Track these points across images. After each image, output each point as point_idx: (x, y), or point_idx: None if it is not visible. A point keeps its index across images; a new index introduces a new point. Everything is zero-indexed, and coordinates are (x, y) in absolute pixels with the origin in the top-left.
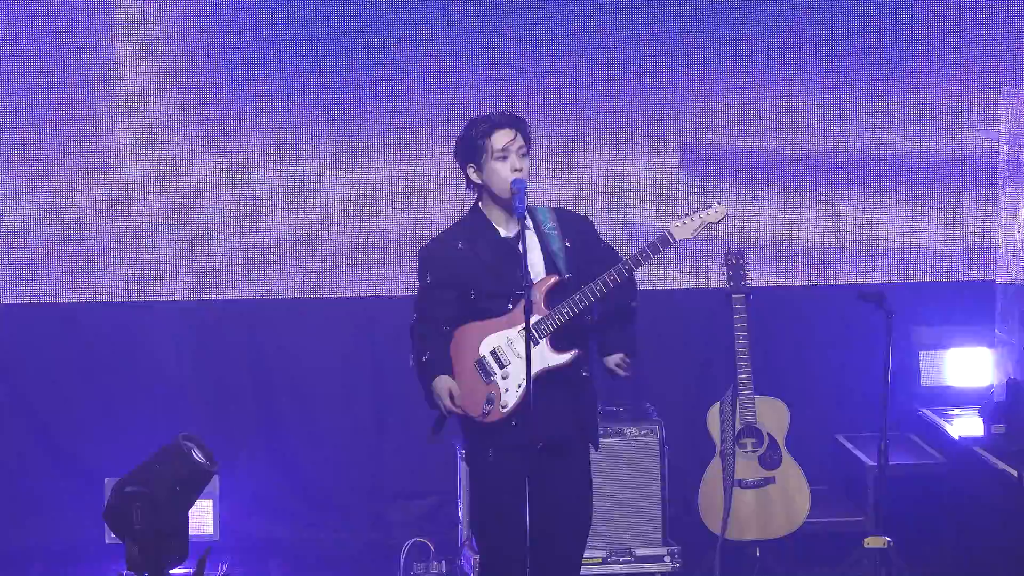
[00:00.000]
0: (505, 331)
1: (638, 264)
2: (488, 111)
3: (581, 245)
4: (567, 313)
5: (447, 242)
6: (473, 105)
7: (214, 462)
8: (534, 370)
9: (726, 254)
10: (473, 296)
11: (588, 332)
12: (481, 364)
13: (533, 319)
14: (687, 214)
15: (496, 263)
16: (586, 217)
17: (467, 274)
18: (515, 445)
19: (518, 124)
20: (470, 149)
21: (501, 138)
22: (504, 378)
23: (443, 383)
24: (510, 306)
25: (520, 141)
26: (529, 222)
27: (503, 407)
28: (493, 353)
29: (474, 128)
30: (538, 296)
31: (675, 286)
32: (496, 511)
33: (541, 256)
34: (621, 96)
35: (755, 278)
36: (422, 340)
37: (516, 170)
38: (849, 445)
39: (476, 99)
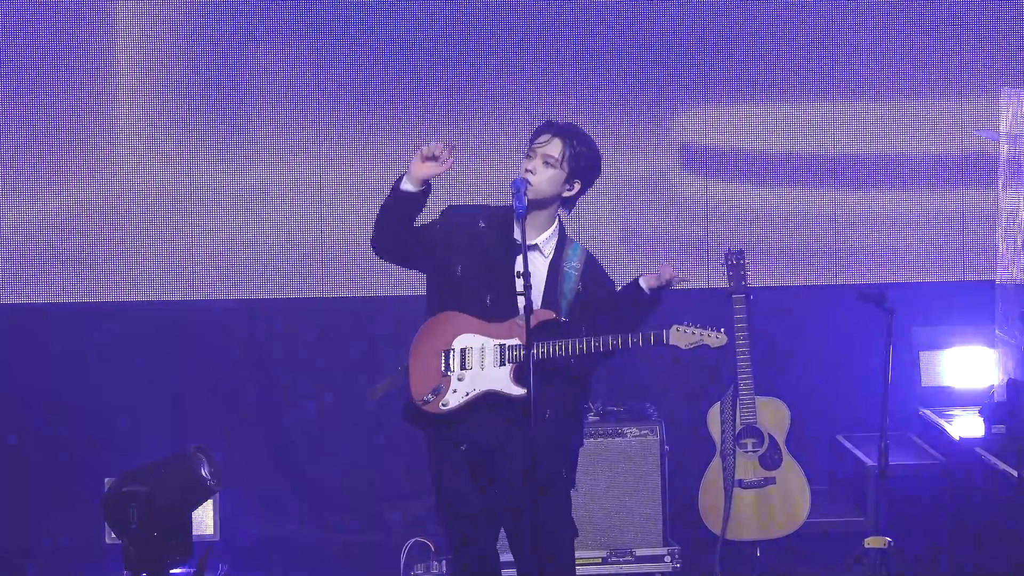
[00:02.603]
0: (484, 338)
1: (626, 346)
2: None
3: (589, 300)
4: (544, 352)
5: (472, 213)
6: (473, 105)
7: (219, 480)
8: (483, 387)
9: (726, 254)
10: (459, 274)
11: (560, 377)
12: (447, 355)
13: (511, 341)
14: (691, 326)
15: (495, 258)
16: (612, 281)
17: (465, 248)
18: (443, 438)
19: (560, 132)
20: (528, 145)
21: (539, 139)
22: (459, 380)
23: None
24: (488, 302)
25: (552, 149)
26: (547, 246)
27: (443, 405)
28: (463, 351)
29: (537, 128)
30: (529, 324)
31: (675, 286)
32: (441, 490)
33: (543, 286)
34: (621, 96)
35: (755, 278)
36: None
37: (527, 171)
38: (849, 445)
39: (477, 99)
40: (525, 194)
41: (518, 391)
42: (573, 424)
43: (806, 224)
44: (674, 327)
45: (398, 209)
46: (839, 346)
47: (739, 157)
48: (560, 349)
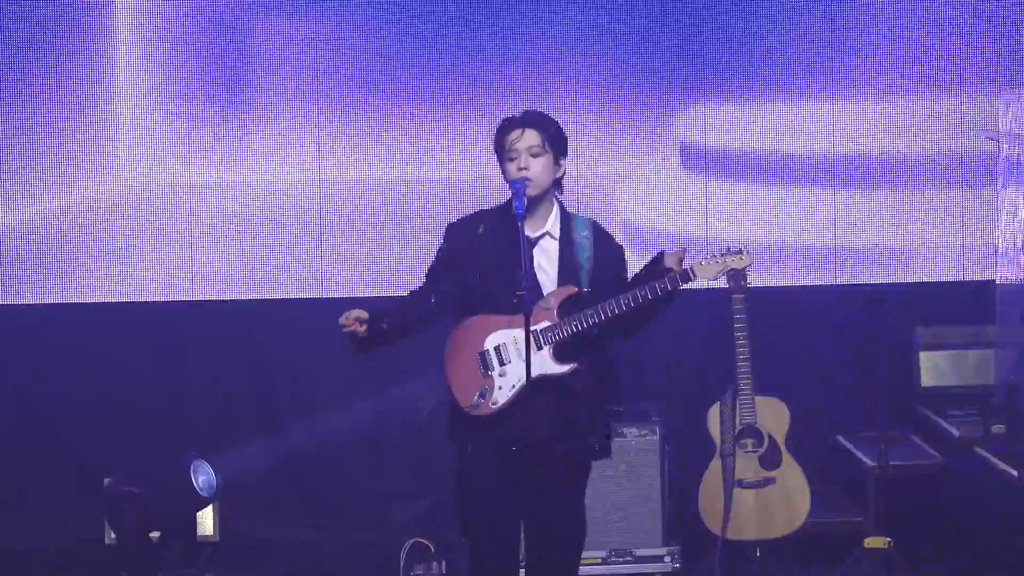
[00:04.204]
0: (513, 330)
1: (655, 294)
2: (509, 110)
3: (606, 266)
4: (576, 326)
5: (471, 222)
6: (476, 104)
7: (215, 491)
8: (533, 374)
9: (725, 253)
10: (478, 283)
11: (596, 347)
12: (483, 357)
13: (542, 325)
14: (712, 255)
15: (505, 258)
16: (621, 246)
17: (476, 259)
18: (494, 444)
19: (527, 122)
20: (496, 148)
21: (510, 138)
22: (501, 375)
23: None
24: (515, 302)
25: (529, 140)
26: (554, 228)
27: (493, 403)
28: (497, 349)
29: (498, 128)
30: (553, 303)
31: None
32: (474, 506)
33: (556, 265)
34: (621, 95)
35: (755, 278)
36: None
37: (522, 169)
38: (849, 445)
39: (478, 97)
40: (525, 194)
41: (563, 368)
42: (608, 391)
43: (806, 224)
44: (697, 261)
45: (389, 338)
46: (839, 346)
47: (739, 157)
48: (591, 318)
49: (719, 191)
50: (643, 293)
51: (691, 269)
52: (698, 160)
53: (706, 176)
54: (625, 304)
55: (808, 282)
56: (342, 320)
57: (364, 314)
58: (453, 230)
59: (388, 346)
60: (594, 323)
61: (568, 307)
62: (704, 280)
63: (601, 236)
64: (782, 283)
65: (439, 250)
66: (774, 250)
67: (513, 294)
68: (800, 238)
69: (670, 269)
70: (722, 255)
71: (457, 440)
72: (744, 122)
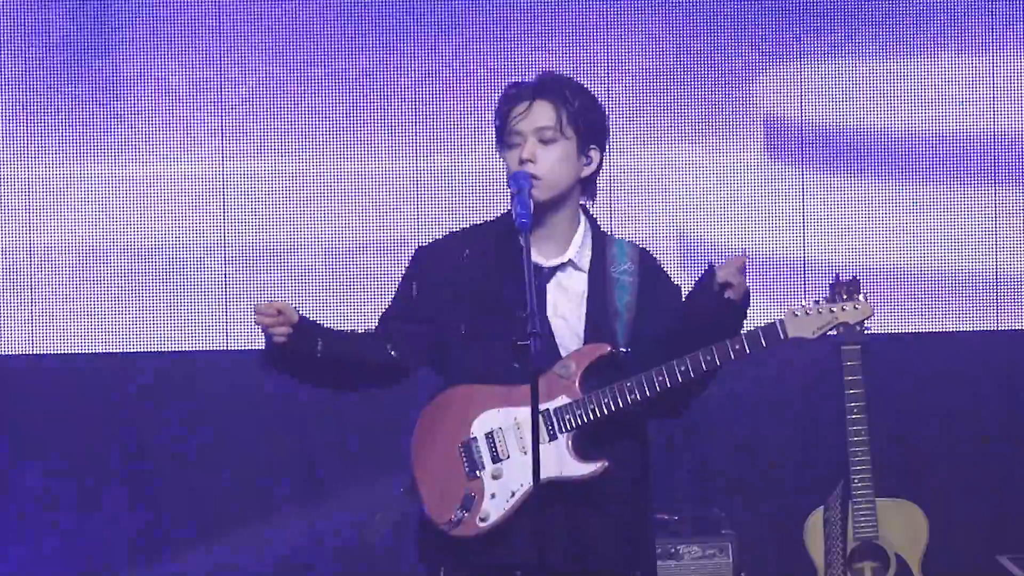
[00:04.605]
0: (515, 409)
1: (725, 359)
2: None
3: (654, 317)
4: (608, 405)
5: (450, 247)
6: (477, 104)
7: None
8: (543, 476)
9: (833, 284)
10: (464, 334)
11: (636, 433)
12: (468, 449)
13: (558, 402)
14: (816, 301)
15: (502, 295)
16: (678, 286)
17: (458, 298)
18: (481, 569)
19: (540, 91)
20: (496, 130)
21: (514, 114)
22: (495, 478)
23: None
24: (516, 365)
25: (539, 118)
26: (581, 256)
27: (482, 519)
28: (489, 437)
29: (500, 99)
30: (574, 369)
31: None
32: None
33: (583, 311)
34: (671, 69)
35: (878, 318)
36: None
37: (523, 161)
38: (1016, 569)
39: (478, 96)
40: (530, 194)
41: (587, 468)
42: (644, 498)
43: (948, 241)
44: (790, 311)
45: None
46: (1003, 423)
47: (840, 136)
48: (630, 394)
49: (811, 185)
50: (706, 358)
51: (781, 324)
52: (786, 143)
53: (800, 164)
54: (681, 374)
55: (956, 326)
56: (257, 310)
57: (292, 313)
58: (425, 256)
59: (314, 381)
60: (635, 401)
61: (597, 375)
62: (802, 336)
63: (650, 271)
64: (917, 326)
65: (401, 284)
66: (902, 277)
67: (513, 348)
68: (942, 260)
69: (726, 289)
70: (827, 303)
71: (425, 561)
72: (851, 86)
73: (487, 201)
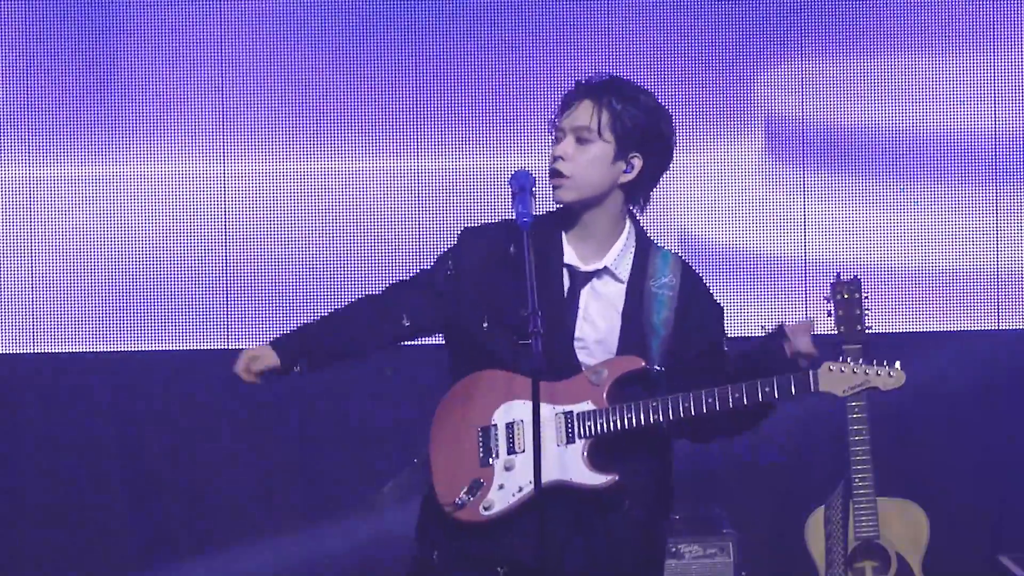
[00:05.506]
0: (542, 404)
1: (753, 398)
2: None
3: (692, 336)
4: (631, 419)
5: (499, 235)
6: (480, 104)
7: None
8: (545, 478)
9: (834, 284)
10: (486, 328)
11: (653, 451)
12: (487, 434)
13: (582, 407)
14: (847, 361)
15: (545, 297)
16: (720, 306)
17: (489, 293)
18: (474, 559)
19: (587, 91)
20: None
21: (564, 112)
22: (507, 469)
23: (254, 350)
24: (548, 357)
25: (580, 116)
26: (621, 264)
27: (486, 508)
28: (510, 427)
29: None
30: (606, 376)
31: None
32: None
33: (617, 322)
34: (686, 64)
35: (880, 317)
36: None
37: (557, 159)
38: (1017, 569)
39: (482, 95)
40: (532, 194)
41: (599, 480)
42: (661, 517)
43: (953, 237)
44: (825, 365)
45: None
46: (1004, 422)
47: (850, 135)
48: (655, 413)
49: (812, 183)
50: (735, 395)
51: (814, 376)
52: (789, 143)
53: (802, 167)
54: (707, 405)
55: (957, 326)
56: (240, 370)
57: (272, 360)
58: (470, 237)
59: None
60: (657, 421)
61: (626, 387)
62: (832, 392)
63: (692, 286)
64: (919, 325)
65: (439, 261)
66: (904, 275)
67: (548, 348)
68: (945, 258)
69: (800, 359)
70: (860, 365)
71: (422, 542)
72: (862, 85)
73: (495, 197)
